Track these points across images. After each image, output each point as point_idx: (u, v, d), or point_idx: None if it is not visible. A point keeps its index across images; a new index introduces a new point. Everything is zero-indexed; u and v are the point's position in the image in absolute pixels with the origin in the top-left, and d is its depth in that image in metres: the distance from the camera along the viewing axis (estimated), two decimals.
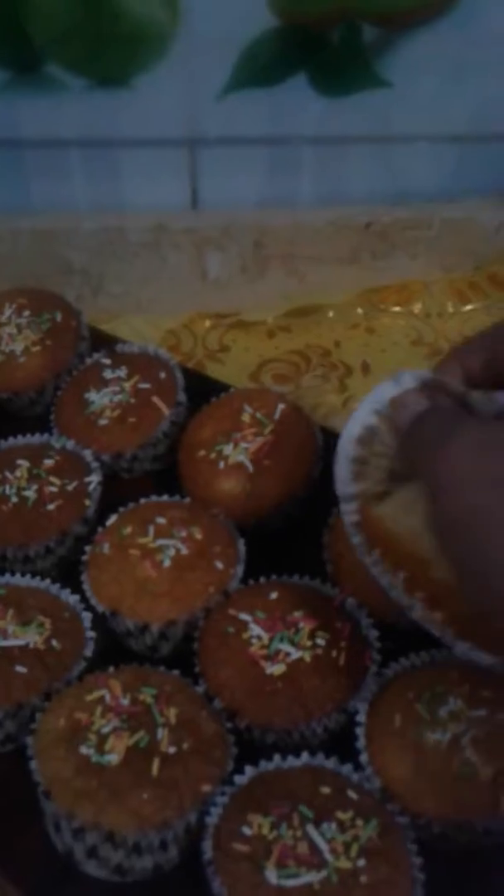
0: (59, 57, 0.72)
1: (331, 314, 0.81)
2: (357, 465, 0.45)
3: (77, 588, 0.53)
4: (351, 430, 0.45)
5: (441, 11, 0.70)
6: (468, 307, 0.81)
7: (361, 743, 0.44)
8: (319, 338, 0.80)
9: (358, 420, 0.45)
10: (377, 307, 0.81)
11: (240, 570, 0.53)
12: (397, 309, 0.81)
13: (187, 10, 0.69)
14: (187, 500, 0.58)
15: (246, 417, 0.59)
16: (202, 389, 0.65)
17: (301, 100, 0.74)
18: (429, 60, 0.72)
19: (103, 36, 0.70)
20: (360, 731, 0.45)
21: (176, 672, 0.48)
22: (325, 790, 0.41)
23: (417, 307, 0.81)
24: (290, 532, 0.58)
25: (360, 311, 0.81)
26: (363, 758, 0.44)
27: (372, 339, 0.79)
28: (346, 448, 0.45)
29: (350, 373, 0.76)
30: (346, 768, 0.44)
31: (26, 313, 0.67)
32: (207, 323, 0.81)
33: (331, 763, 0.44)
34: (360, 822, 0.40)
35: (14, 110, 0.74)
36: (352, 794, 0.41)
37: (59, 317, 0.67)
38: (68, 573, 0.56)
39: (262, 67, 0.73)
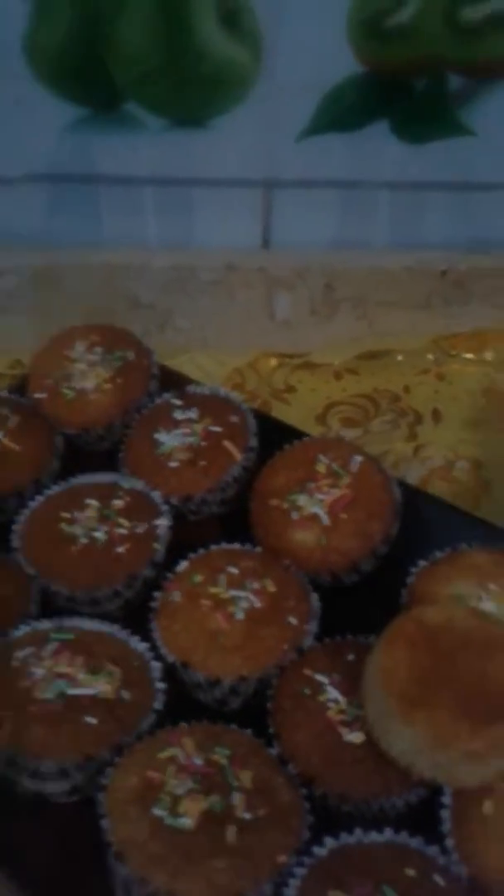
0: (139, 96, 0.72)
1: (399, 358, 0.80)
2: None
3: (145, 635, 0.52)
4: None
5: None
6: None
7: (447, 827, 0.42)
8: (388, 382, 0.78)
9: None
10: (448, 353, 0.80)
11: (314, 626, 0.52)
12: (469, 356, 0.80)
13: (270, 54, 0.69)
14: (258, 549, 0.56)
15: (321, 468, 0.58)
16: (272, 433, 0.64)
17: (380, 145, 0.74)
18: None
19: (185, 77, 0.71)
20: (445, 814, 0.43)
21: (249, 731, 0.47)
22: (411, 872, 0.39)
23: (490, 355, 0.80)
24: (365, 590, 0.56)
25: (430, 356, 0.80)
26: (449, 842, 0.42)
27: (442, 386, 0.78)
28: None
29: (420, 420, 0.75)
30: (433, 850, 0.42)
31: (98, 350, 0.66)
32: (273, 362, 0.80)
33: (415, 842, 0.42)
34: None
35: (91, 147, 0.74)
36: (438, 880, 0.39)
37: (130, 355, 0.66)
38: (135, 617, 0.54)
39: (343, 113, 0.73)
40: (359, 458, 0.58)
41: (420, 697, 0.41)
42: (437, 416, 0.75)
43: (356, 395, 0.77)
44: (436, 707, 0.41)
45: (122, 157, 0.75)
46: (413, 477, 0.69)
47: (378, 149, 0.74)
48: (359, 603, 0.55)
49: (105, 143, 0.74)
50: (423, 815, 0.44)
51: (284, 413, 0.75)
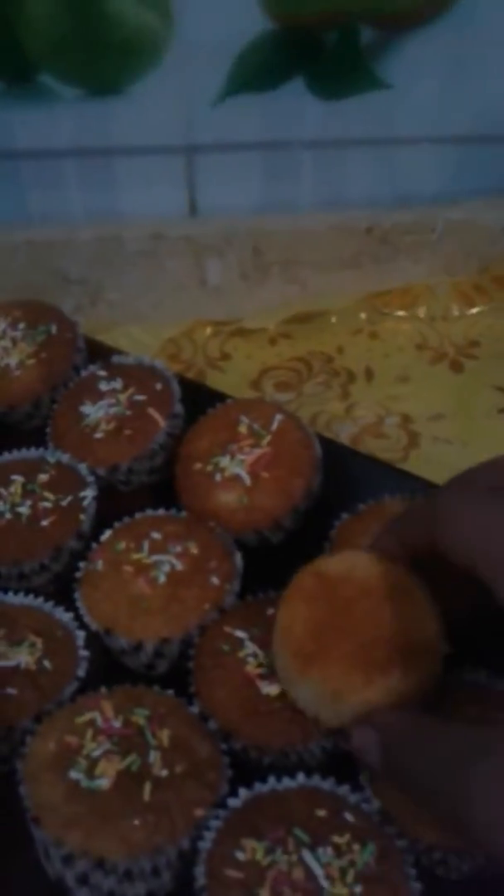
0: (52, 68, 0.71)
1: (333, 320, 0.80)
2: None
3: (72, 605, 0.53)
4: None
5: (439, 12, 0.69)
6: (474, 310, 0.79)
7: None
8: (322, 344, 0.78)
9: None
10: (380, 312, 0.80)
11: (236, 585, 0.52)
12: (401, 313, 0.80)
13: (180, 17, 0.68)
14: (184, 513, 0.57)
15: (243, 429, 0.58)
16: (201, 400, 0.64)
17: (298, 104, 0.73)
18: (428, 61, 0.71)
19: (96, 46, 0.70)
20: None
21: (171, 692, 0.47)
22: (321, 813, 0.40)
23: (422, 311, 0.80)
24: (289, 546, 0.57)
25: (363, 316, 0.80)
26: (362, 778, 0.43)
27: (375, 345, 0.78)
28: None
29: (353, 379, 0.75)
30: (344, 789, 0.42)
31: (21, 326, 0.66)
32: (208, 331, 0.80)
33: (327, 784, 0.43)
34: (356, 847, 0.39)
35: (7, 121, 0.73)
36: (348, 817, 0.40)
37: (54, 329, 0.66)
38: (64, 589, 0.55)
39: (257, 72, 0.72)
40: (279, 417, 0.58)
41: (315, 652, 0.41)
42: (369, 374, 0.75)
43: (290, 359, 0.77)
44: (329, 661, 0.41)
45: (40, 129, 0.74)
46: (345, 435, 0.70)
47: (296, 108, 0.74)
48: (285, 560, 0.55)
49: (21, 116, 0.73)
50: (340, 760, 0.45)
51: (219, 381, 0.75)
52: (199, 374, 0.76)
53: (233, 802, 0.42)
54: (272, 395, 0.74)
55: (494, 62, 0.71)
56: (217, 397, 0.65)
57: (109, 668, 0.51)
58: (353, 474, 0.62)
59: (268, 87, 0.73)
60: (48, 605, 0.52)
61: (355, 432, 0.70)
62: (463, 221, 0.77)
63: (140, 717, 0.44)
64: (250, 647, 0.47)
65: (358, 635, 0.41)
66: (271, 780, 0.43)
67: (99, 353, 0.69)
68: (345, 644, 0.41)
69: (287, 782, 0.43)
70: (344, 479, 0.61)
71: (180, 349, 0.79)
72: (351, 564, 0.44)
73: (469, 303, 0.79)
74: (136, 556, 0.52)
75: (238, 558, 0.53)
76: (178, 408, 0.62)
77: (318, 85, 0.73)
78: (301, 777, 0.43)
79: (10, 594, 0.53)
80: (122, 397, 0.62)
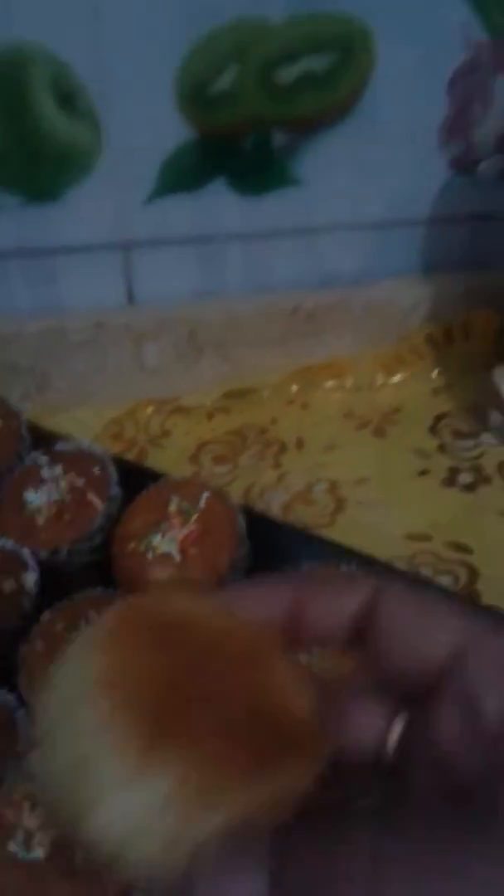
0: None
1: (266, 394, 0.85)
2: None
3: (14, 685, 0.56)
4: None
5: (342, 115, 0.76)
6: (396, 378, 0.85)
7: None
8: (256, 417, 0.84)
9: None
10: (311, 383, 0.86)
11: None
12: (330, 384, 0.86)
13: (110, 128, 0.75)
14: (119, 591, 0.61)
15: (173, 507, 0.63)
16: (140, 480, 0.69)
17: (223, 200, 0.80)
18: (336, 158, 0.78)
19: (32, 159, 0.76)
20: None
21: None
22: None
23: (349, 381, 0.85)
24: None
25: (294, 388, 0.85)
26: None
27: (306, 415, 0.83)
28: None
29: (285, 449, 0.80)
30: None
31: None
32: (149, 409, 0.85)
33: None
34: None
35: None
36: None
37: None
38: (9, 669, 0.59)
39: (183, 175, 0.78)
40: (206, 495, 0.63)
41: (164, 731, 0.24)
42: (300, 443, 0.80)
43: (226, 433, 0.82)
44: (187, 742, 0.24)
45: None
46: (277, 503, 0.74)
47: (221, 204, 0.80)
48: None
49: None
50: None
51: (160, 457, 0.80)
52: (141, 451, 0.81)
53: None
54: (211, 469, 0.79)
55: (395, 156, 0.78)
56: (153, 477, 0.70)
57: None
58: (280, 544, 0.67)
59: (194, 188, 0.79)
60: None
61: (286, 500, 0.75)
62: (379, 300, 0.83)
63: None
64: None
65: (217, 707, 0.25)
66: None
67: (42, 438, 0.74)
68: (203, 717, 0.24)
69: None
70: (271, 548, 0.65)
71: (123, 428, 0.84)
72: (185, 608, 0.28)
73: (391, 371, 0.85)
74: (73, 636, 0.56)
75: None
76: (116, 490, 0.67)
77: (238, 184, 0.80)
78: None
79: None
80: (63, 483, 0.66)
